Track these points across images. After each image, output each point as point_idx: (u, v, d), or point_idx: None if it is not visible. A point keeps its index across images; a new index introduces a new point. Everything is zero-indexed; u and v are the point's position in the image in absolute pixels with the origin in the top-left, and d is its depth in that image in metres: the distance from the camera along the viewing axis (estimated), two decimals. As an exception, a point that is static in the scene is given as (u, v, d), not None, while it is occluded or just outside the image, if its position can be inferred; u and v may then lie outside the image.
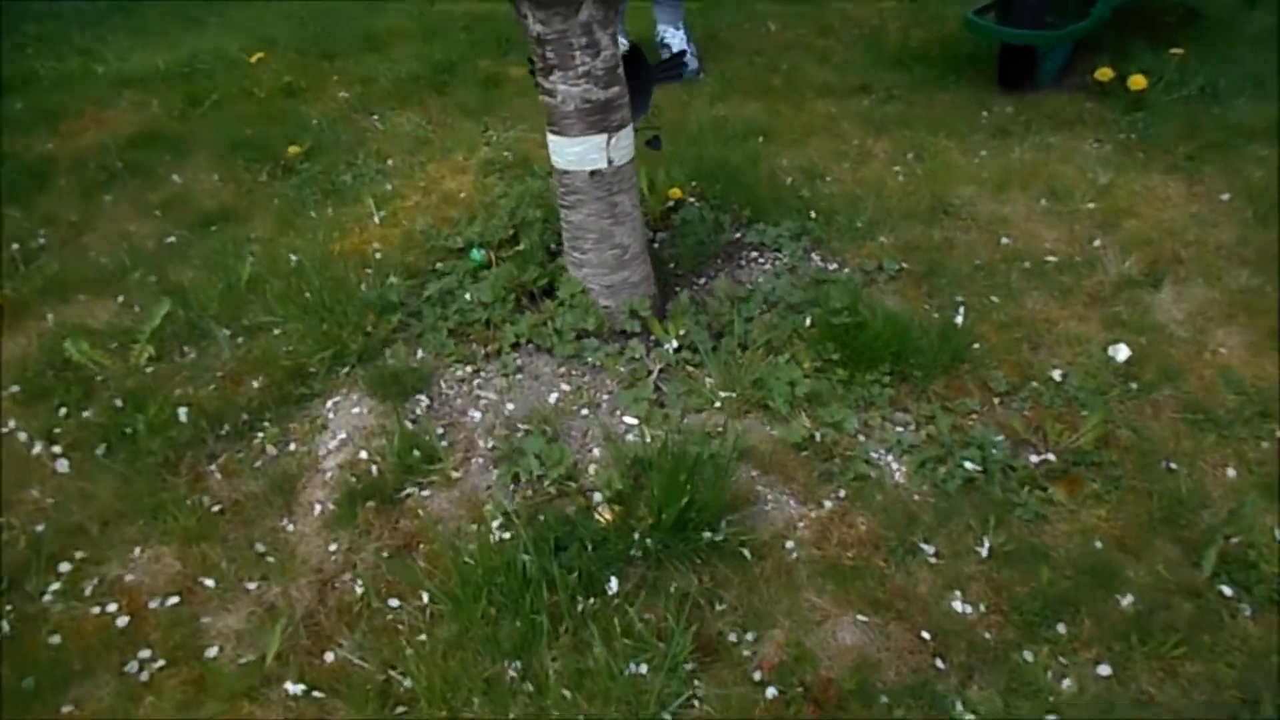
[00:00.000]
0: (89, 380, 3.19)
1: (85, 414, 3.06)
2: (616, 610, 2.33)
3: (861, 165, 4.28)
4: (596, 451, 2.81)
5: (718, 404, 2.91)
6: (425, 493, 2.72)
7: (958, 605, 2.35)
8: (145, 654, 2.35)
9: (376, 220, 4.00)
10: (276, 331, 3.34)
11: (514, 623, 2.28)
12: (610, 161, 3.00)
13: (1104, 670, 2.20)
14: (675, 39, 5.27)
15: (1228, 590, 2.36)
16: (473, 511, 2.65)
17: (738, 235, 3.72)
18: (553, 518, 2.52)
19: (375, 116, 5.02)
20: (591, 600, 2.35)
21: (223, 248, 3.89)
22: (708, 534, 2.45)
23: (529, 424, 2.89)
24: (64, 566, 2.59)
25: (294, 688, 2.25)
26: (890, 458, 2.74)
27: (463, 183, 4.26)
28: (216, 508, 2.74)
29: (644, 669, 2.21)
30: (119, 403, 3.07)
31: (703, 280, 3.53)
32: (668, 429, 2.84)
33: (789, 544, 2.51)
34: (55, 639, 2.39)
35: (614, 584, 2.38)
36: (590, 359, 3.10)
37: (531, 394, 3.03)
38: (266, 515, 2.71)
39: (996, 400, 2.95)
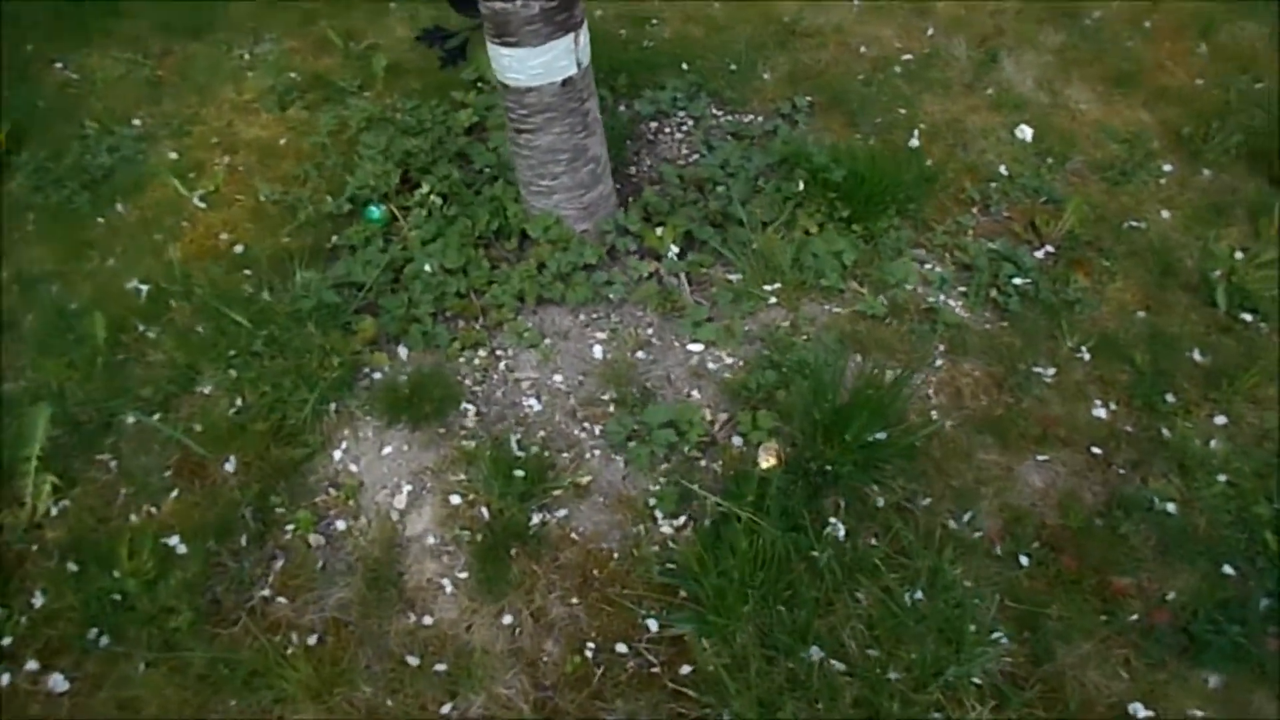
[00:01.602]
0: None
1: (35, 604, 2.04)
2: (851, 549, 2.09)
3: (673, 3, 3.84)
4: (695, 394, 2.41)
5: (771, 299, 2.60)
6: (562, 512, 2.19)
7: (1097, 411, 2.40)
8: None
9: (198, 203, 2.93)
10: (206, 390, 2.40)
11: (790, 607, 1.97)
12: (579, 64, 2.38)
13: (1220, 420, 2.39)
14: None
15: (1247, 317, 2.63)
16: (631, 511, 2.19)
17: (633, 109, 3.22)
18: (733, 480, 2.16)
19: (59, 64, 3.57)
20: (818, 552, 2.08)
21: (20, 295, 2.66)
22: (874, 437, 2.24)
23: (610, 392, 2.40)
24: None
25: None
26: (943, 297, 2.65)
27: (265, 126, 3.22)
28: (313, 639, 2.02)
29: (919, 594, 2.04)
30: (71, 566, 2.09)
31: (632, 170, 3.04)
32: (736, 342, 2.50)
33: (934, 415, 2.38)
34: None
35: (840, 527, 2.12)
36: (610, 295, 2.60)
37: (574, 356, 2.50)
38: (387, 619, 2.04)
39: (976, 210, 2.94)
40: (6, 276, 2.75)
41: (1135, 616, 2.03)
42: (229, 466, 2.27)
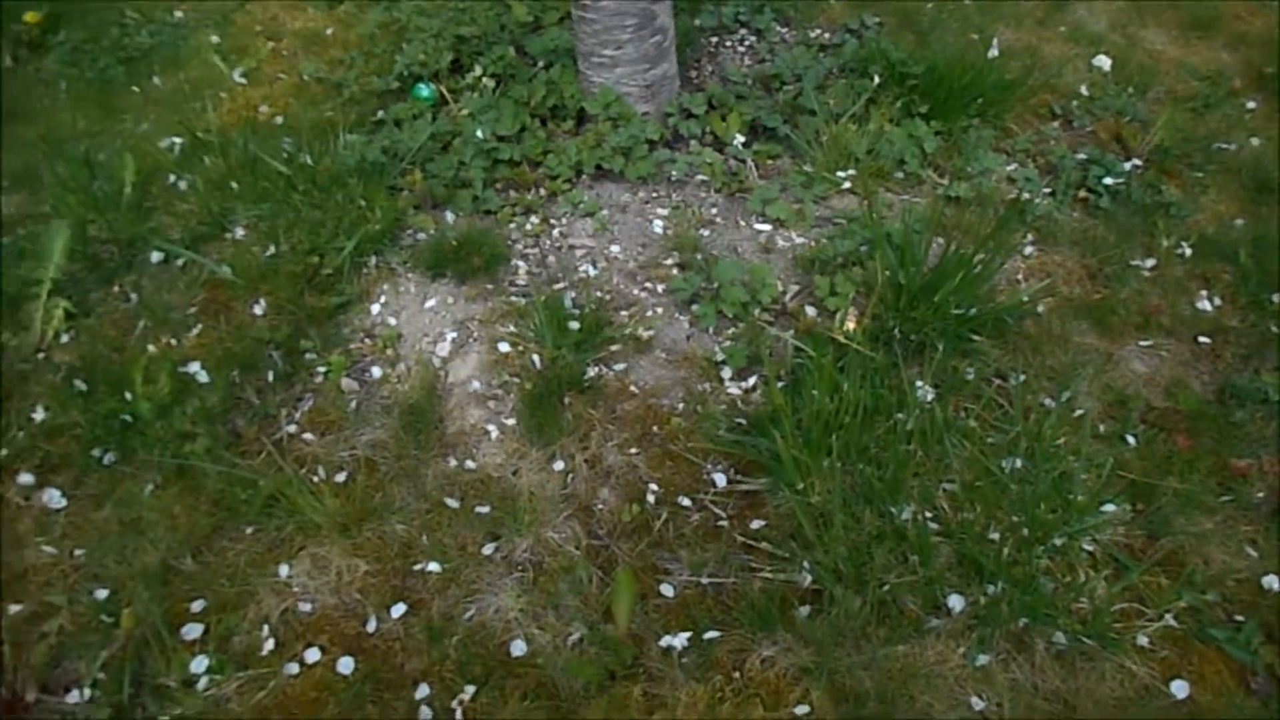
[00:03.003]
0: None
1: (36, 419, 1.86)
2: (941, 416, 1.89)
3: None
4: (770, 266, 2.24)
5: (845, 184, 2.44)
6: (620, 366, 2.01)
7: (1203, 305, 2.22)
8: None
9: (239, 79, 2.81)
10: (240, 233, 2.24)
11: (877, 464, 1.77)
12: (656, -82, 2.27)
13: (1330, 323, 2.21)
14: None
15: (1348, 227, 2.46)
16: (696, 369, 2.01)
17: (696, 23, 3.11)
18: (810, 341, 1.97)
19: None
20: (905, 414, 1.89)
21: (45, 153, 2.52)
22: (962, 311, 2.06)
23: (672, 256, 2.23)
24: (192, 632, 1.57)
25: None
26: (1027, 194, 2.49)
27: (312, 19, 3.12)
28: (341, 476, 1.82)
29: (1019, 463, 1.83)
30: (80, 385, 1.90)
31: (693, 75, 2.92)
32: (807, 224, 2.34)
33: (1025, 299, 2.20)
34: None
35: (928, 391, 1.93)
36: (672, 173, 2.45)
37: (632, 229, 2.34)
38: (424, 462, 1.85)
39: (1058, 124, 2.80)
40: (33, 136, 2.62)
41: (1260, 495, 1.82)
42: (258, 309, 2.10)
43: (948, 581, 1.65)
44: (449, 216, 2.35)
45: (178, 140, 2.51)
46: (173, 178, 2.41)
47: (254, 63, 2.85)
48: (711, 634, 1.59)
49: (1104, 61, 3.08)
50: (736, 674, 1.54)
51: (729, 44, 3.09)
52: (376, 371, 2.02)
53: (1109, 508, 1.77)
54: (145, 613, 1.56)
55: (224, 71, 2.81)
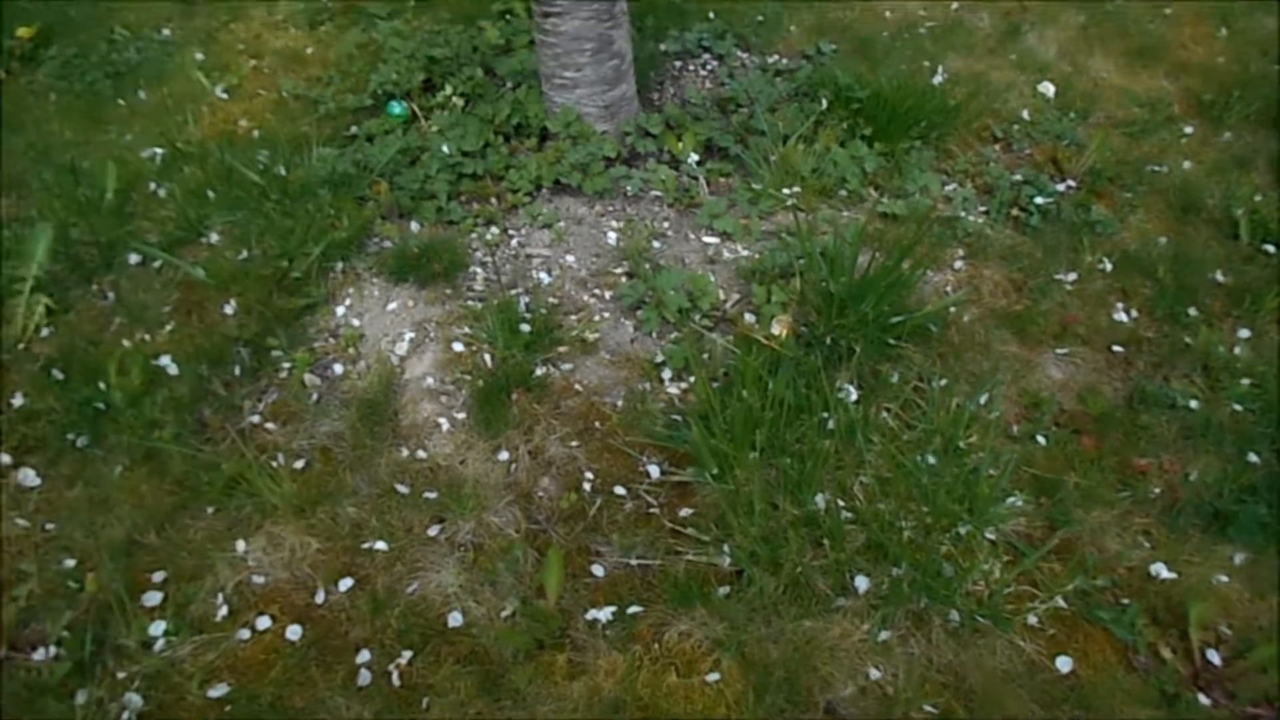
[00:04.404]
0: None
1: (15, 405, 2.01)
2: (862, 416, 2.05)
3: (702, -33, 3.97)
4: (710, 276, 2.40)
5: (789, 200, 2.61)
6: (566, 366, 2.16)
7: (1120, 316, 2.38)
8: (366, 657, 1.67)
9: (220, 94, 2.98)
10: (214, 238, 2.40)
11: (798, 459, 1.93)
12: (612, -50, 2.46)
13: (1244, 333, 2.37)
14: None
15: (1270, 249, 2.63)
16: (638, 369, 2.16)
17: (661, 47, 3.30)
18: (744, 344, 2.13)
19: (95, -17, 3.69)
20: (828, 413, 2.04)
21: (33, 160, 2.69)
22: (893, 319, 2.22)
23: (623, 265, 2.40)
24: (151, 599, 1.72)
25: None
26: (962, 211, 2.66)
27: (294, 39, 3.30)
28: (300, 463, 1.97)
29: (932, 460, 1.99)
30: (57, 374, 2.05)
31: (655, 97, 3.10)
32: (753, 238, 2.51)
33: (952, 310, 2.36)
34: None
35: (851, 392, 2.09)
36: (628, 188, 2.62)
37: (587, 240, 2.50)
38: (378, 451, 2.00)
39: (998, 147, 2.97)
40: (23, 144, 2.78)
41: (1158, 491, 1.98)
42: (229, 309, 2.26)
43: (856, 565, 1.80)
44: (413, 226, 2.51)
45: (159, 151, 2.68)
46: (153, 185, 2.57)
47: (236, 79, 3.03)
48: (635, 609, 1.74)
49: (1048, 88, 3.27)
50: (655, 645, 1.69)
51: (692, 68, 3.27)
52: (338, 368, 2.17)
53: (1012, 500, 1.93)
54: (109, 580, 1.71)
55: (206, 87, 2.98)
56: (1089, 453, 2.06)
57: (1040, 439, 2.08)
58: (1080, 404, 2.17)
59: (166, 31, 3.36)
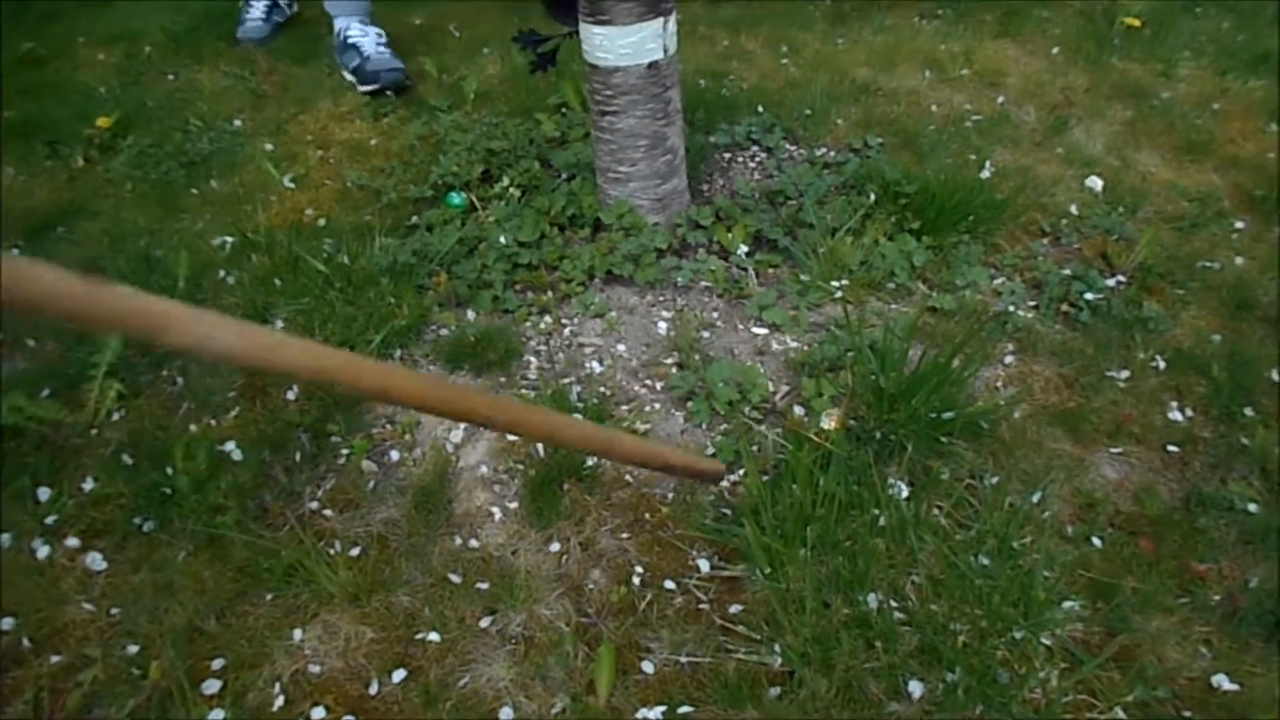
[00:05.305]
0: (50, 446, 2.19)
1: (85, 489, 2.10)
2: (913, 513, 2.07)
3: (749, 64, 4.12)
4: (759, 368, 2.45)
5: (838, 293, 2.67)
6: (617, 457, 2.21)
7: (1174, 415, 2.38)
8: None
9: (288, 184, 3.13)
10: (279, 325, 2.51)
11: (849, 556, 1.94)
12: (666, 50, 2.57)
13: (1302, 436, 2.36)
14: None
15: (1325, 349, 2.62)
16: (687, 461, 2.20)
17: (711, 139, 3.41)
18: (793, 438, 2.17)
19: (170, 75, 3.92)
20: (879, 510, 2.06)
21: (109, 247, 2.84)
22: (944, 415, 2.25)
23: (673, 355, 2.45)
24: (210, 687, 1.76)
25: None
26: (1011, 306, 2.70)
27: (359, 130, 3.47)
28: (355, 550, 2.03)
29: (985, 561, 1.99)
30: (126, 459, 2.14)
31: (705, 188, 3.20)
32: (801, 329, 2.56)
33: (1001, 403, 2.38)
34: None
35: (903, 489, 2.11)
36: (678, 279, 2.69)
37: (638, 330, 2.57)
38: (432, 540, 2.05)
39: (1047, 241, 3.02)
40: (98, 231, 2.94)
41: (1218, 598, 1.95)
42: (290, 395, 2.35)
43: (910, 668, 1.80)
44: (470, 314, 2.60)
45: (229, 239, 2.81)
46: (223, 273, 2.70)
47: (303, 169, 3.18)
48: (685, 709, 1.75)
49: (1096, 182, 3.32)
50: (706, 747, 1.69)
51: (740, 160, 3.37)
52: (395, 455, 2.24)
53: (1068, 604, 1.92)
54: (171, 668, 1.76)
55: (275, 177, 3.14)
56: (1146, 556, 2.04)
57: (1096, 540, 2.07)
58: (1136, 505, 2.16)
59: (238, 122, 3.55)
